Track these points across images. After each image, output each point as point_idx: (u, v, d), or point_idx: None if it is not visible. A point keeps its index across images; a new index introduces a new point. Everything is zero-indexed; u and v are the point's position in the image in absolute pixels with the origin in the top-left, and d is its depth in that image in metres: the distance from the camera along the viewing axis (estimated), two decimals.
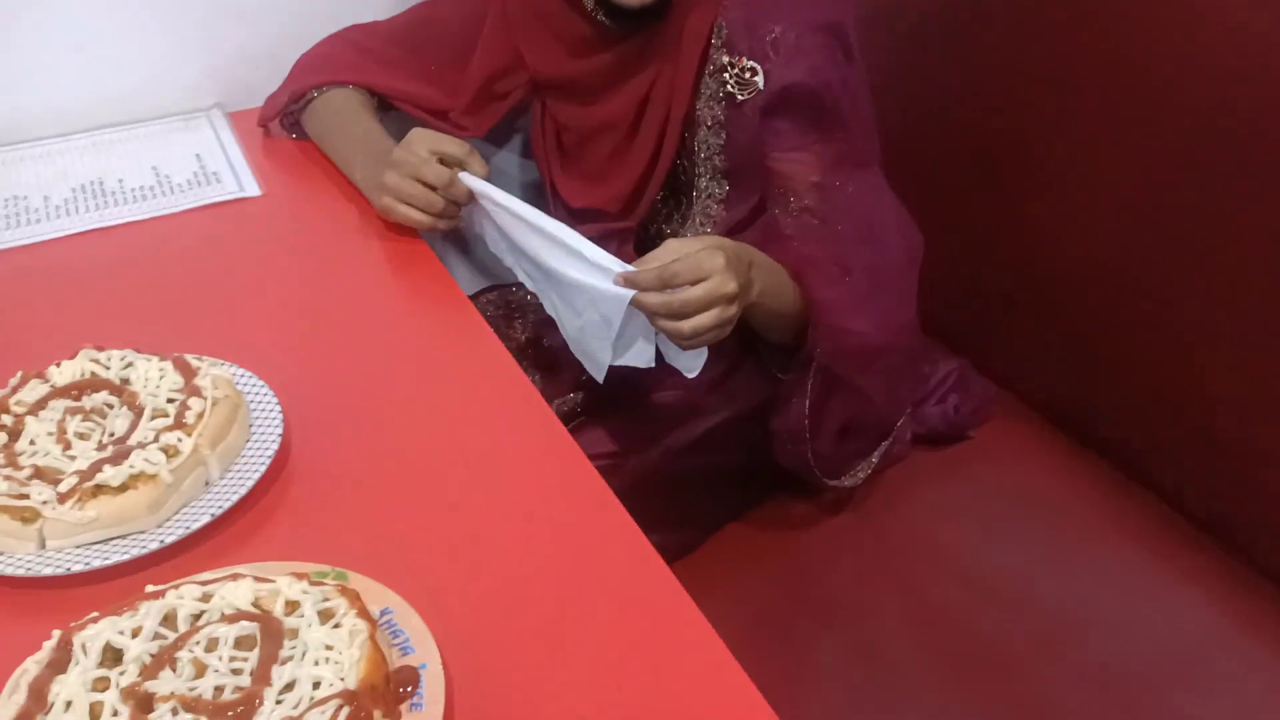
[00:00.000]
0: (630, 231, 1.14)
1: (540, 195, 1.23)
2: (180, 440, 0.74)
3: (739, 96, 1.02)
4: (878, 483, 1.13)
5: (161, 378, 0.80)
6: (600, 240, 1.12)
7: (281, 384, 0.85)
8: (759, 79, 1.00)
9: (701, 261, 0.87)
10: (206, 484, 0.75)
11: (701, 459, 1.10)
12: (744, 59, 1.01)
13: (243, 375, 0.85)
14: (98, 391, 0.80)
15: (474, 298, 1.18)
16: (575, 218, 1.17)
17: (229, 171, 1.19)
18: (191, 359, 0.83)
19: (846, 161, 1.02)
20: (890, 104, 1.11)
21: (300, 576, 0.64)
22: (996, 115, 1.18)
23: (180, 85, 1.32)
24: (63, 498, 0.70)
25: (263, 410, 0.82)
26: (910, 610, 1.03)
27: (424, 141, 1.01)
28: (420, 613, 0.65)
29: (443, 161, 1.00)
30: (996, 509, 1.12)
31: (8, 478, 0.71)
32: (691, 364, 0.94)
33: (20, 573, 0.68)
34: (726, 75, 1.02)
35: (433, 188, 1.00)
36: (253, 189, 1.16)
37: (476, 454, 0.82)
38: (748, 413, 1.10)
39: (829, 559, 1.10)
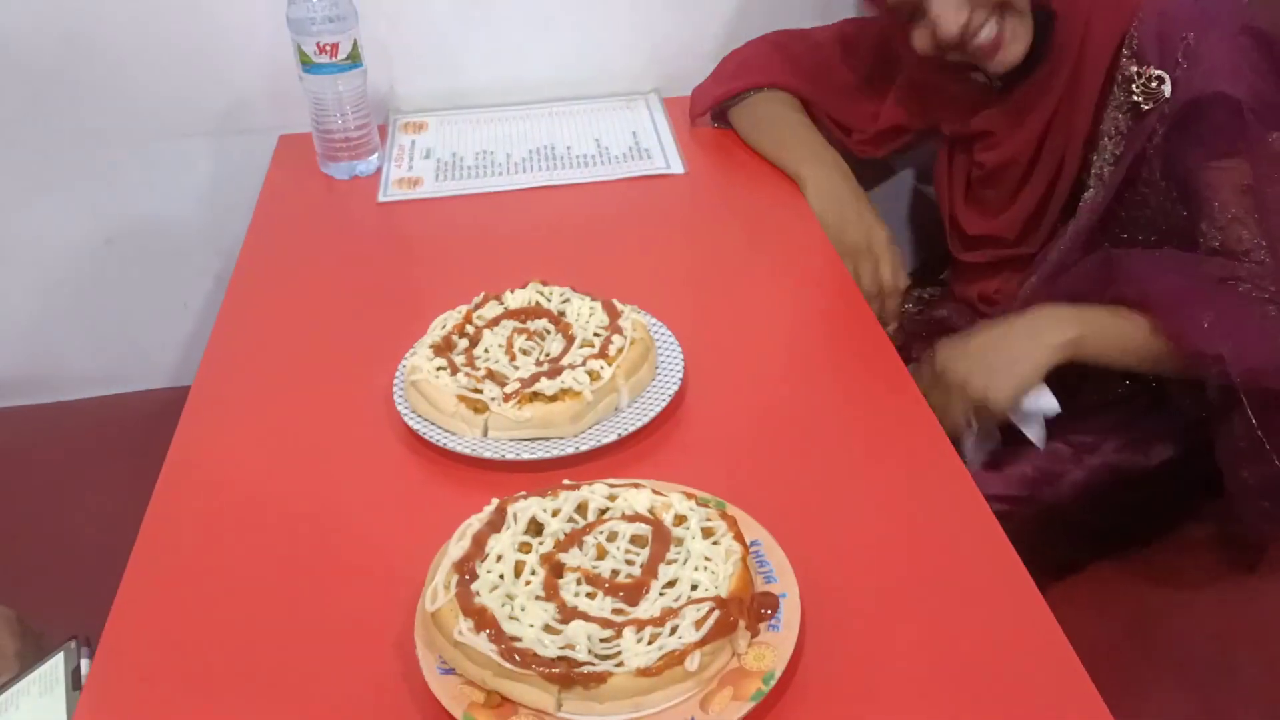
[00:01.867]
0: (1029, 258, 1.16)
1: (932, 220, 1.28)
2: (602, 368, 0.86)
3: (1144, 106, 1.00)
4: None
5: (591, 315, 0.93)
6: (994, 268, 1.15)
7: (686, 334, 0.95)
8: (1165, 88, 0.98)
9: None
10: (617, 409, 0.87)
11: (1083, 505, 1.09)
12: (1151, 68, 0.99)
13: (655, 324, 0.96)
14: (540, 318, 0.94)
15: None
16: (970, 245, 1.21)
17: (659, 149, 1.32)
18: (617, 303, 0.95)
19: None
20: None
21: (689, 496, 0.74)
22: None
23: (625, 70, 1.48)
24: (506, 398, 0.84)
25: (668, 354, 0.93)
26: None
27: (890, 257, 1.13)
28: (785, 550, 0.73)
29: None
30: None
31: (468, 374, 0.87)
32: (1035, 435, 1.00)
33: (466, 451, 0.83)
34: (1134, 86, 1.00)
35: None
36: (678, 167, 1.28)
37: (844, 428, 0.88)
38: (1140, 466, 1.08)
39: (1189, 610, 1.05)
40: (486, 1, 1.40)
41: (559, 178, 1.27)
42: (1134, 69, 1.00)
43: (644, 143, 1.34)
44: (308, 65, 1.21)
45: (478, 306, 0.95)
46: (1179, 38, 0.97)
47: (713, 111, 1.35)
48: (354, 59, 1.22)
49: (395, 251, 1.18)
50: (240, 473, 0.86)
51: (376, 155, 1.31)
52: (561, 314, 0.94)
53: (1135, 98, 1.00)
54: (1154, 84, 0.99)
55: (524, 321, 0.94)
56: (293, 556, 0.78)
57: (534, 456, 0.82)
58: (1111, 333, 0.98)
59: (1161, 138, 0.98)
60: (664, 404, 0.87)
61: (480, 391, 0.85)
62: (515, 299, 0.96)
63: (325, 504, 0.82)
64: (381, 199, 1.24)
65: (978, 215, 1.21)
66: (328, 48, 1.20)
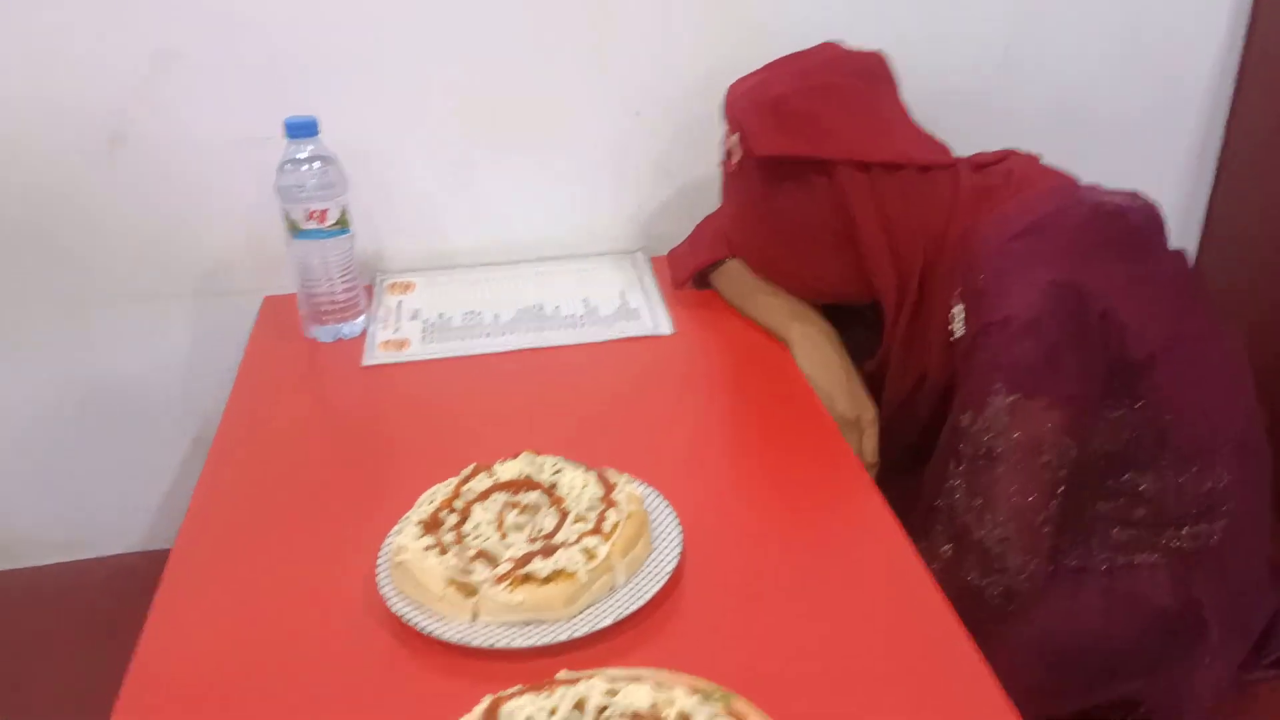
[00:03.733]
0: None
1: None
2: (598, 546, 0.82)
3: (955, 336, 1.04)
4: None
5: (584, 487, 0.90)
6: None
7: (682, 504, 0.92)
8: (957, 325, 1.03)
9: None
10: (613, 588, 0.83)
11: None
12: (956, 303, 1.04)
13: (650, 493, 0.93)
14: (532, 490, 0.91)
15: None
16: None
17: (647, 310, 1.32)
18: (610, 474, 0.92)
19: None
20: None
21: (693, 690, 0.69)
22: None
23: (611, 230, 1.49)
24: (499, 580, 0.80)
25: (665, 527, 0.89)
26: None
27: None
28: None
29: None
30: None
31: (458, 554, 0.83)
32: None
33: (456, 639, 0.79)
34: (951, 314, 1.05)
35: None
36: (666, 328, 1.27)
37: (850, 602, 0.84)
38: None
39: None
40: (469, 169, 1.43)
41: (548, 339, 1.26)
42: (955, 305, 1.05)
43: (632, 303, 1.34)
44: (296, 231, 1.20)
45: (467, 479, 0.92)
46: (974, 276, 1.02)
47: (697, 279, 1.35)
48: (342, 225, 1.22)
49: (381, 417, 1.15)
50: (218, 654, 0.81)
51: (362, 317, 1.29)
52: (554, 486, 0.91)
53: (953, 325, 1.05)
54: (957, 318, 1.04)
55: (515, 494, 0.91)
56: None
57: (528, 644, 0.78)
58: None
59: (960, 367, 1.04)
60: (662, 582, 0.83)
61: (470, 573, 0.81)
62: (506, 470, 0.93)
63: (306, 695, 0.77)
64: (366, 362, 1.22)
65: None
66: (317, 214, 1.20)
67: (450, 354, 1.23)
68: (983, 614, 0.90)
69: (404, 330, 1.29)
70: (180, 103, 1.31)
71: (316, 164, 1.18)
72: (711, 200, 1.44)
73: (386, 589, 0.83)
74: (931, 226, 1.10)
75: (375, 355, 1.24)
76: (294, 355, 1.26)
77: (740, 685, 0.72)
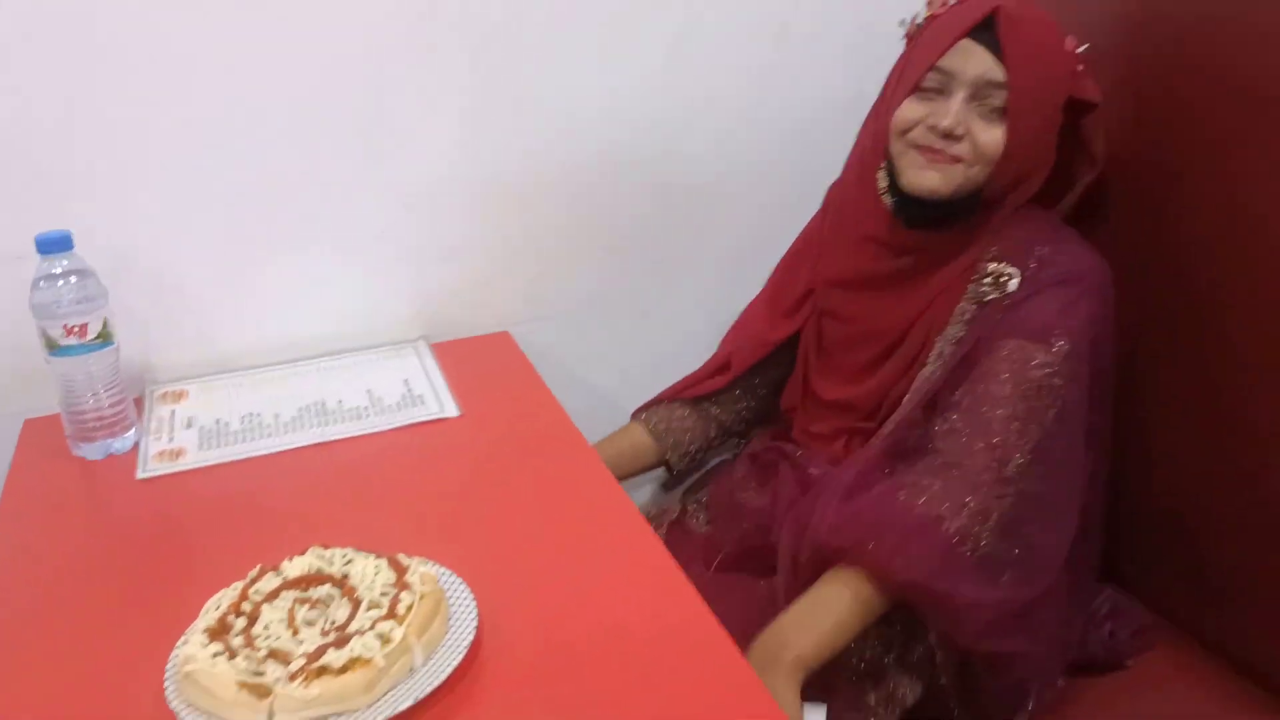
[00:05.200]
0: (867, 433, 1.23)
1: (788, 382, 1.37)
2: (392, 629, 0.83)
3: (989, 296, 1.11)
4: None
5: (377, 574, 0.91)
6: (845, 439, 1.22)
7: (478, 581, 0.94)
8: (1013, 283, 1.10)
9: None
10: (412, 670, 0.84)
11: None
12: (1006, 264, 1.12)
13: (444, 573, 0.95)
14: (323, 584, 0.91)
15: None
16: (823, 410, 1.27)
17: (432, 395, 1.34)
18: (402, 558, 0.93)
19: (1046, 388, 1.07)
20: None
21: None
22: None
23: (393, 320, 1.51)
24: (292, 676, 0.80)
25: (461, 604, 0.91)
26: None
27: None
28: None
29: None
30: None
31: (248, 657, 0.82)
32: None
33: None
34: (987, 280, 1.12)
35: None
36: (452, 410, 1.30)
37: (642, 663, 0.88)
38: None
39: None
40: (241, 269, 1.41)
41: (332, 433, 1.26)
42: (990, 265, 1.13)
43: (416, 389, 1.36)
44: (54, 348, 1.16)
45: (254, 581, 0.91)
46: (1036, 246, 1.11)
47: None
48: (105, 338, 1.19)
49: (161, 530, 1.12)
50: None
51: (134, 430, 1.25)
52: (345, 577, 0.92)
53: (984, 288, 1.12)
54: (1003, 279, 1.11)
55: (306, 590, 0.90)
56: None
57: None
58: (826, 624, 1.02)
59: (995, 322, 1.10)
60: (458, 659, 0.85)
61: (263, 674, 0.80)
62: (294, 567, 0.93)
63: None
64: (141, 475, 1.19)
65: (833, 382, 1.28)
66: (76, 329, 1.16)
67: (229, 458, 1.21)
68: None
69: (179, 439, 1.26)
70: None
71: (73, 278, 1.15)
72: (494, 281, 1.49)
73: (176, 703, 0.81)
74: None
75: (150, 467, 1.20)
76: (62, 476, 1.20)
77: None
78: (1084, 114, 1.16)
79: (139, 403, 1.34)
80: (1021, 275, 1.10)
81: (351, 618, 0.86)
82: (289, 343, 1.47)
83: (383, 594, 0.88)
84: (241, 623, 0.87)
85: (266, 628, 0.86)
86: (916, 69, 1.12)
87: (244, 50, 1.29)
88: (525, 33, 1.41)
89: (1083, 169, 1.19)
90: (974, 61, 1.07)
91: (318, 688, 0.79)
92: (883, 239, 1.21)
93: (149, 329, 1.39)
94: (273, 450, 1.23)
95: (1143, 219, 1.20)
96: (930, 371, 1.15)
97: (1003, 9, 1.06)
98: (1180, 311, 1.16)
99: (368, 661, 0.80)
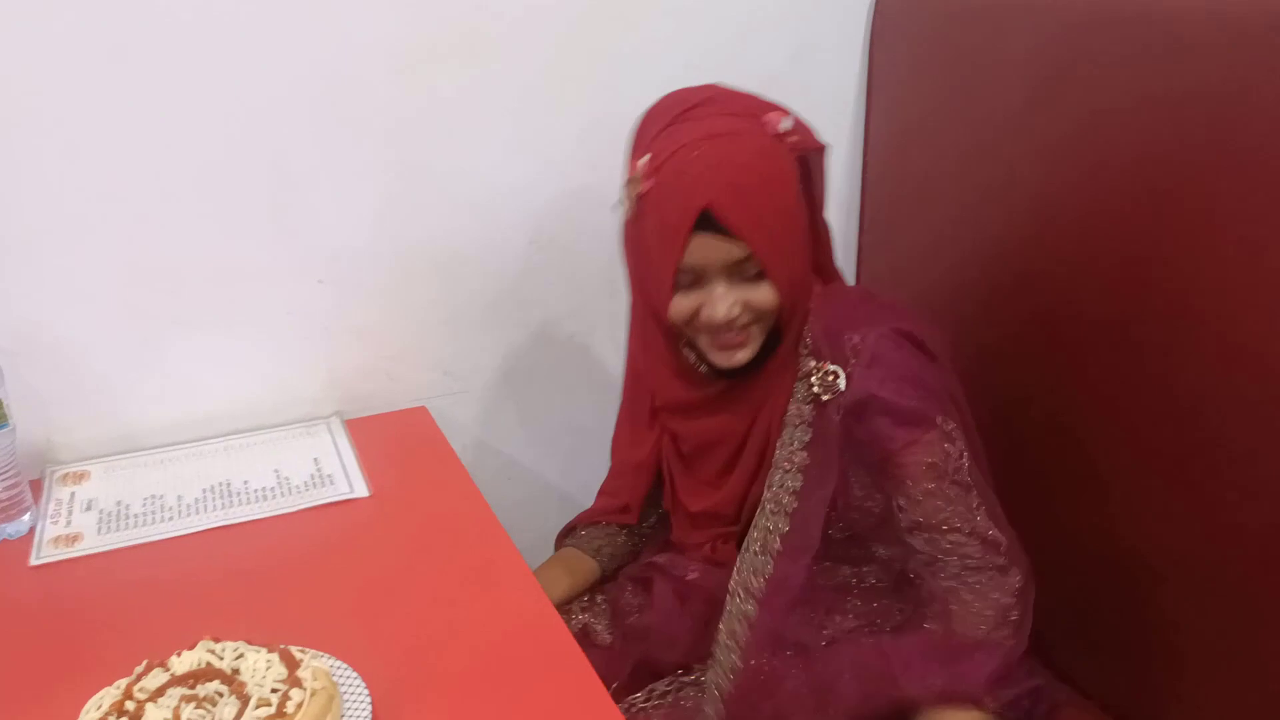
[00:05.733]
0: (733, 535, 1.23)
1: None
2: None
3: (824, 397, 1.12)
4: None
5: (268, 668, 0.88)
6: (711, 543, 1.22)
7: (374, 675, 0.92)
8: (840, 381, 1.11)
9: None
10: None
11: None
12: (827, 363, 1.12)
13: (340, 667, 0.93)
14: (211, 680, 0.88)
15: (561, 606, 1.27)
16: (693, 521, 1.27)
17: (342, 474, 1.32)
18: (296, 651, 0.91)
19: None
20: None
21: None
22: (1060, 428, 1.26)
23: (305, 396, 1.48)
24: None
25: (355, 701, 0.89)
26: None
27: None
28: None
29: None
30: None
31: None
32: None
33: None
34: (813, 379, 1.13)
35: None
36: (362, 490, 1.28)
37: None
38: None
39: None
40: (147, 345, 1.38)
41: (235, 515, 1.23)
42: (812, 363, 1.13)
43: (326, 468, 1.34)
44: None
45: (139, 677, 0.88)
46: (846, 337, 1.11)
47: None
48: (0, 419, 1.16)
49: (50, 620, 1.08)
50: None
51: (29, 514, 1.22)
52: (235, 672, 0.89)
53: (815, 389, 1.12)
54: (829, 378, 1.11)
55: (192, 687, 0.87)
56: None
57: None
58: None
59: (840, 425, 1.10)
60: None
61: None
62: (183, 662, 0.89)
63: None
64: (34, 561, 1.15)
65: (698, 491, 1.27)
66: None
67: (128, 543, 1.18)
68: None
69: (76, 523, 1.22)
70: None
71: None
72: (409, 355, 1.48)
73: None
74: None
75: (45, 553, 1.16)
76: None
77: None
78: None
79: (38, 485, 1.30)
80: (845, 372, 1.12)
81: (239, 716, 0.83)
82: (198, 420, 1.44)
83: (273, 690, 0.86)
84: None
85: None
86: (664, 269, 1.11)
87: (147, 118, 1.27)
88: (439, 114, 1.41)
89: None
90: (712, 251, 1.07)
91: None
92: (691, 379, 1.23)
93: (50, 406, 1.35)
94: (173, 534, 1.19)
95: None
96: (783, 478, 1.15)
97: (712, 203, 1.05)
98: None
99: None
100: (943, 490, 1.10)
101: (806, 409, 1.14)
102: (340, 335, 1.48)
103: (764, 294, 1.10)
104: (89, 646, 1.02)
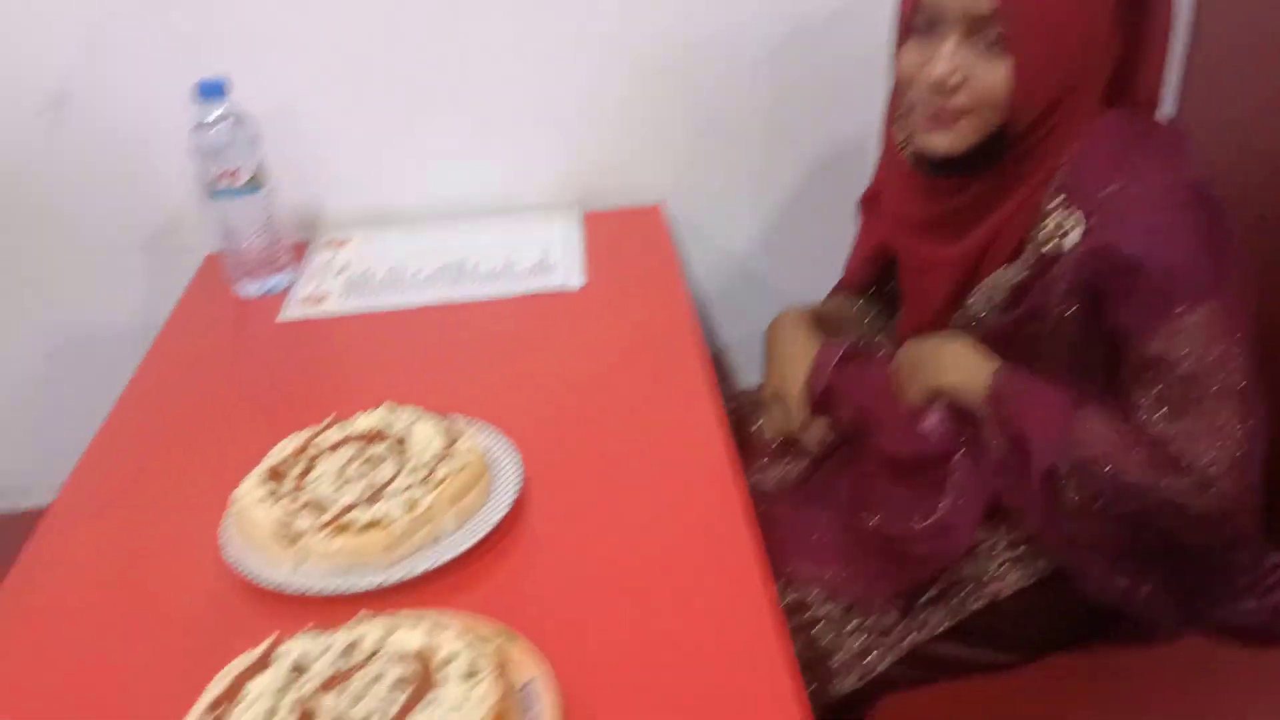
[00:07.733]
0: None
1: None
2: (422, 497, 0.85)
3: (1043, 249, 0.98)
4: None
5: (434, 438, 0.92)
6: None
7: (537, 459, 0.94)
8: (1071, 238, 0.95)
9: None
10: (436, 539, 0.85)
11: None
12: (1066, 209, 0.96)
13: (505, 445, 0.95)
14: (383, 442, 0.94)
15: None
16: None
17: (563, 264, 1.33)
18: (464, 423, 0.94)
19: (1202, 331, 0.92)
20: None
21: (469, 632, 0.72)
22: None
23: (549, 183, 1.50)
24: (319, 529, 0.83)
25: (506, 479, 0.92)
26: None
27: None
28: (567, 687, 0.70)
29: None
30: None
31: (291, 501, 0.86)
32: None
33: (273, 584, 0.82)
34: (1048, 221, 0.98)
35: None
36: (575, 282, 1.28)
37: (678, 562, 0.86)
38: None
39: None
40: (405, 124, 1.44)
41: (460, 294, 1.28)
42: (1052, 203, 0.98)
43: (551, 257, 1.35)
44: (211, 191, 1.24)
45: (322, 430, 0.95)
46: (1102, 184, 0.95)
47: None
48: (255, 183, 1.25)
49: (286, 371, 1.19)
50: (78, 597, 0.87)
51: (287, 272, 1.33)
52: (405, 438, 0.94)
53: (1045, 231, 0.98)
54: (1062, 231, 0.96)
55: (367, 446, 0.94)
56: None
57: (335, 591, 0.81)
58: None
59: (1064, 287, 0.96)
60: (485, 531, 0.85)
61: (296, 522, 0.84)
62: (363, 422, 0.96)
63: (143, 636, 0.82)
64: (281, 318, 1.26)
65: (908, 319, 1.19)
66: (229, 174, 1.23)
67: (364, 309, 1.27)
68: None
69: (326, 285, 1.33)
70: (123, 65, 1.36)
71: (225, 124, 1.22)
72: (653, 154, 1.44)
73: (224, 536, 0.87)
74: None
75: (292, 310, 1.27)
76: (218, 310, 1.31)
77: (543, 634, 0.74)
78: None
79: (301, 248, 1.41)
80: (1085, 225, 0.93)
81: (393, 479, 0.88)
82: (449, 199, 1.50)
83: (432, 459, 0.90)
84: (299, 469, 0.91)
85: (318, 478, 0.90)
86: (906, 3, 0.96)
87: None
88: None
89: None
90: None
91: (339, 542, 0.82)
92: (920, 185, 1.07)
93: (322, 177, 1.46)
94: (402, 305, 1.27)
95: None
96: (979, 310, 1.04)
97: None
98: None
99: (386, 525, 0.83)
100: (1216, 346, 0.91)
101: (1028, 249, 0.99)
102: (590, 124, 1.47)
103: (993, 74, 0.93)
104: (312, 395, 1.12)
